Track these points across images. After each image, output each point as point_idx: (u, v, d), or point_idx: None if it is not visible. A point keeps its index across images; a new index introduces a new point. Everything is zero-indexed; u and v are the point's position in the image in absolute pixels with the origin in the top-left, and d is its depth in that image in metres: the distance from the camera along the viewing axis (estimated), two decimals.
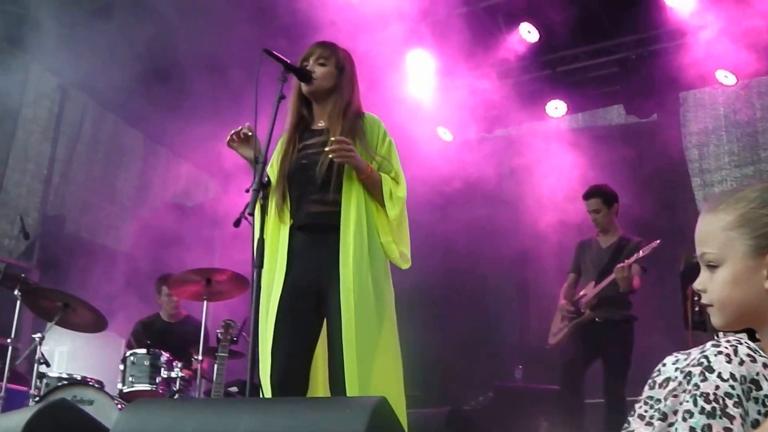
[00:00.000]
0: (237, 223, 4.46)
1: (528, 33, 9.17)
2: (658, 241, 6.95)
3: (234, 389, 7.42)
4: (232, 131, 4.34)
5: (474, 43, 9.00)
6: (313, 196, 4.33)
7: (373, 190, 4.31)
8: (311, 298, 4.26)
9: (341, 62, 4.49)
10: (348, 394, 3.96)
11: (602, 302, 7.31)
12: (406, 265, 4.44)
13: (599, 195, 7.51)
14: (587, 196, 7.58)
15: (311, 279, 4.26)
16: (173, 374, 7.13)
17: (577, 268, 7.73)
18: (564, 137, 9.93)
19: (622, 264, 7.00)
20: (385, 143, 4.44)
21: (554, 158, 9.72)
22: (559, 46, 9.53)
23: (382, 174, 4.33)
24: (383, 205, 4.33)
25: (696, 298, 7.27)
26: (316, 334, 4.28)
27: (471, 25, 8.87)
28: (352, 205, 4.26)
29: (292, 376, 4.17)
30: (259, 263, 3.81)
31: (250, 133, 4.28)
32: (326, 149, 4.16)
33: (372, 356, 4.09)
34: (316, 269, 4.26)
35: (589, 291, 7.40)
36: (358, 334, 4.06)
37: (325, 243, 4.26)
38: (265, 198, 3.97)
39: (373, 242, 4.27)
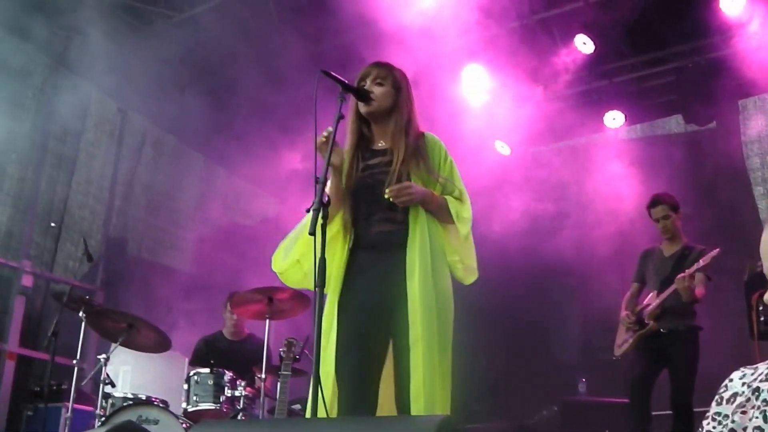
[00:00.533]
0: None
1: (583, 44, 9.10)
2: (718, 250, 6.86)
3: (297, 407, 7.41)
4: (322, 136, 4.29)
5: (530, 56, 9.00)
6: (380, 216, 4.34)
7: (441, 215, 4.32)
8: (378, 317, 4.24)
9: (398, 82, 4.48)
10: (412, 412, 3.95)
11: (666, 312, 7.20)
12: (472, 278, 4.45)
13: (664, 202, 7.43)
14: (653, 204, 7.48)
15: (378, 298, 4.25)
16: (237, 393, 7.14)
17: (640, 278, 7.63)
18: (622, 148, 9.86)
19: (682, 274, 6.92)
20: (447, 163, 4.43)
21: (613, 169, 9.65)
22: (615, 57, 9.48)
23: (447, 197, 4.33)
24: (450, 222, 4.34)
25: (761, 308, 7.20)
26: (385, 353, 4.27)
27: (526, 39, 8.88)
28: (419, 223, 4.26)
29: (361, 395, 4.17)
30: (321, 282, 3.78)
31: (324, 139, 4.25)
32: (386, 195, 4.17)
33: (435, 374, 4.07)
34: (383, 288, 4.26)
35: (652, 301, 7.31)
36: (424, 353, 4.04)
37: (390, 261, 4.27)
38: (325, 218, 3.89)
39: (437, 260, 4.27)
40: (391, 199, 4.16)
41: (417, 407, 3.96)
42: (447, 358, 4.21)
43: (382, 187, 4.27)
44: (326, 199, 3.89)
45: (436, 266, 4.25)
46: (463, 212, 4.32)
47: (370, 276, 4.30)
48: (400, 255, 4.23)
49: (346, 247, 4.38)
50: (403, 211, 4.29)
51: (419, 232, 4.24)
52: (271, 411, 7.16)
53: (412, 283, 4.14)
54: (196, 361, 7.96)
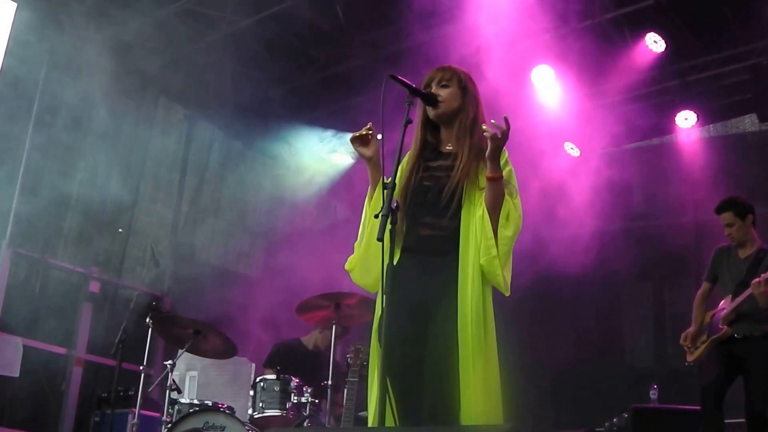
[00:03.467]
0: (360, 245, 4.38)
1: (654, 43, 8.91)
2: None
3: (364, 414, 7.32)
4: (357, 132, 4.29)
5: (599, 55, 8.86)
6: (426, 219, 4.26)
7: (497, 199, 4.13)
8: (419, 324, 4.14)
9: (463, 82, 4.38)
10: (464, 421, 3.90)
11: (741, 317, 6.95)
12: (507, 292, 4.22)
13: (731, 208, 7.18)
14: (719, 211, 7.25)
15: (418, 305, 4.15)
16: (303, 399, 7.06)
17: (712, 277, 7.36)
18: (695, 148, 9.64)
19: (758, 279, 6.71)
20: (506, 170, 4.23)
21: (685, 170, 9.44)
22: (687, 55, 9.27)
23: (505, 195, 4.18)
24: (496, 223, 4.14)
25: None
26: (431, 356, 4.13)
27: (596, 38, 8.73)
28: (471, 231, 4.16)
29: (414, 402, 4.07)
30: (389, 290, 3.75)
31: (368, 133, 4.24)
32: (484, 129, 4.01)
33: (488, 381, 4.02)
34: (424, 295, 4.16)
35: (727, 305, 7.10)
36: (474, 359, 3.97)
37: (437, 265, 4.19)
38: (394, 223, 3.83)
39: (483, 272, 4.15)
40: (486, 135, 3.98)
41: (470, 415, 3.91)
42: (496, 365, 4.11)
43: (436, 190, 4.23)
44: (395, 204, 3.85)
45: (480, 279, 4.12)
46: (515, 214, 4.16)
47: (413, 281, 4.20)
48: (448, 260, 4.15)
49: (397, 251, 4.28)
50: (451, 217, 4.21)
51: (473, 239, 4.14)
52: (338, 418, 7.05)
53: (465, 292, 4.06)
54: (270, 364, 7.86)
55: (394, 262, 4.15)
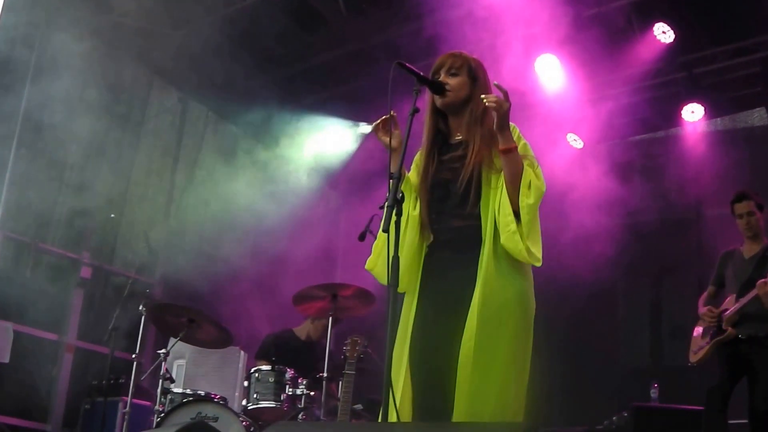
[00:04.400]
0: (362, 237, 4.29)
1: (663, 33, 8.77)
2: None
3: (359, 407, 7.23)
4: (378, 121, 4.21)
5: (605, 45, 8.72)
6: (454, 211, 4.19)
7: (515, 170, 4.01)
8: (453, 320, 4.03)
9: (473, 71, 4.30)
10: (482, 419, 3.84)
11: (745, 318, 6.91)
12: (537, 263, 4.12)
13: (751, 197, 7.09)
14: (738, 199, 7.13)
15: (451, 301, 4.07)
16: (298, 391, 6.98)
17: (719, 281, 7.31)
18: (701, 142, 9.51)
19: (764, 279, 6.60)
20: (521, 145, 4.16)
21: (691, 164, 9.34)
22: (696, 47, 9.13)
23: (525, 165, 4.06)
24: (517, 195, 4.02)
25: None
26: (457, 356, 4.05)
27: (602, 27, 8.59)
28: (490, 220, 4.08)
29: (438, 401, 3.99)
30: (394, 282, 3.61)
31: (388, 122, 4.15)
32: (484, 100, 3.96)
33: (508, 381, 3.95)
34: (455, 291, 4.08)
35: (731, 306, 6.99)
36: (487, 361, 3.89)
37: (462, 263, 4.10)
38: (399, 215, 3.71)
39: (505, 261, 4.06)
40: (487, 104, 3.94)
41: (478, 410, 3.85)
42: (520, 366, 4.03)
43: (453, 182, 4.16)
44: (400, 195, 3.74)
45: (508, 268, 4.05)
46: (537, 181, 4.01)
47: (444, 278, 4.16)
48: (472, 256, 4.07)
49: (424, 246, 4.25)
50: (474, 204, 4.13)
51: (490, 228, 4.06)
52: (333, 411, 6.97)
53: (486, 279, 3.98)
54: (262, 355, 7.83)
55: (422, 257, 4.17)
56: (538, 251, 4.07)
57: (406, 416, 3.97)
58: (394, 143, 4.11)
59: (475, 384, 3.86)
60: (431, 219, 4.24)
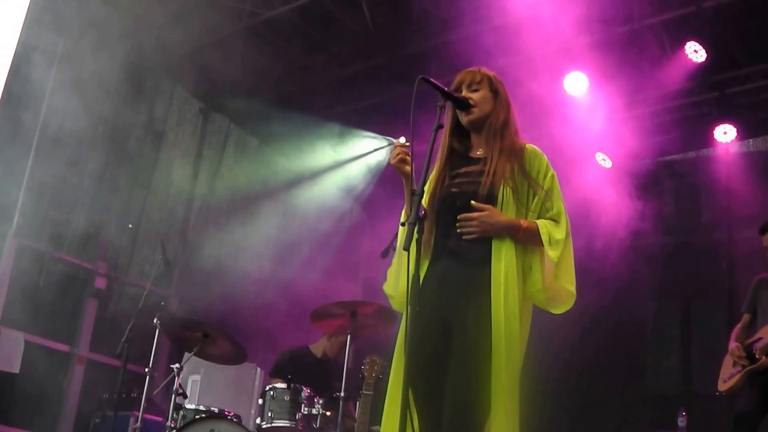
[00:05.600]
0: (385, 254, 4.17)
1: (695, 52, 8.57)
2: None
3: (376, 428, 7.07)
4: (396, 149, 4.13)
5: (636, 63, 8.59)
6: (456, 228, 4.08)
7: (532, 242, 4.05)
8: (447, 336, 3.99)
9: (494, 85, 4.27)
10: None
11: None
12: (567, 304, 4.12)
13: None
14: (763, 231, 6.97)
15: (448, 315, 4.01)
16: (314, 411, 6.80)
17: (752, 308, 7.12)
18: (733, 163, 9.32)
19: None
20: (548, 176, 4.15)
21: (723, 186, 9.18)
22: (728, 66, 8.93)
23: (539, 221, 4.05)
24: (541, 247, 4.04)
25: None
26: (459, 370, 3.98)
27: (633, 45, 8.47)
28: (504, 243, 4.00)
29: (438, 416, 3.92)
30: (414, 301, 3.56)
31: (404, 152, 4.08)
32: (457, 229, 4.03)
33: (513, 402, 3.88)
34: (454, 305, 4.01)
35: (764, 335, 6.79)
36: (508, 379, 3.83)
37: (468, 277, 4.03)
38: (421, 232, 3.62)
39: (520, 282, 4.02)
40: (465, 237, 4.00)
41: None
42: (517, 387, 3.95)
43: (466, 196, 4.09)
44: (422, 212, 3.64)
45: (520, 290, 4.00)
46: (556, 234, 4.03)
47: (444, 292, 4.06)
48: (480, 271, 3.99)
49: (426, 261, 4.13)
50: None
51: (505, 250, 3.99)
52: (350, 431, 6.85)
53: (498, 306, 3.89)
54: (277, 373, 7.65)
55: (423, 272, 4.03)
56: (572, 287, 4.08)
57: None
58: (409, 168, 4.05)
59: (507, 403, 3.81)
60: (437, 233, 4.17)
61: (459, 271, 4.07)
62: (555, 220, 4.08)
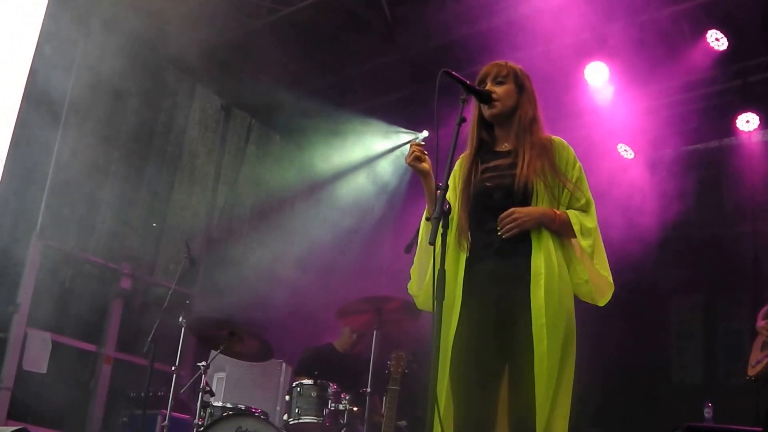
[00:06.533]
0: (408, 249, 4.19)
1: (716, 41, 8.50)
2: None
3: (403, 423, 7.09)
4: (411, 147, 4.15)
5: (656, 53, 8.50)
6: (495, 223, 4.08)
7: (565, 232, 4.09)
8: (498, 331, 4.01)
9: (520, 79, 4.29)
10: None
11: None
12: (607, 296, 4.18)
13: None
14: None
15: (495, 310, 4.03)
16: (341, 407, 6.85)
17: None
18: (756, 152, 9.24)
19: None
20: (576, 169, 4.21)
21: (746, 175, 9.10)
22: (751, 54, 8.82)
23: (569, 211, 4.10)
24: (574, 237, 4.10)
25: None
26: (503, 369, 4.04)
27: (653, 35, 8.36)
28: (543, 234, 4.04)
29: (480, 414, 3.96)
30: (440, 296, 3.54)
31: (420, 152, 4.10)
32: (498, 231, 4.05)
33: (558, 396, 3.87)
34: (502, 299, 4.03)
35: None
36: (549, 372, 3.83)
37: (508, 271, 4.05)
38: (446, 227, 3.64)
39: (563, 273, 4.04)
40: (504, 236, 4.02)
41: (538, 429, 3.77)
42: (570, 379, 3.97)
43: (502, 190, 4.11)
44: (447, 207, 3.66)
45: (563, 280, 4.01)
46: (588, 223, 4.07)
47: (487, 287, 4.07)
48: (520, 264, 4.02)
49: (463, 257, 4.14)
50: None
51: (544, 241, 4.02)
52: (377, 427, 6.84)
53: (537, 296, 3.91)
54: (301, 370, 7.70)
55: (459, 270, 4.07)
56: (609, 275, 4.12)
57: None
58: (426, 167, 4.07)
59: (551, 400, 3.82)
60: (471, 227, 4.18)
61: (501, 265, 4.07)
62: (584, 210, 4.12)
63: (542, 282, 3.91)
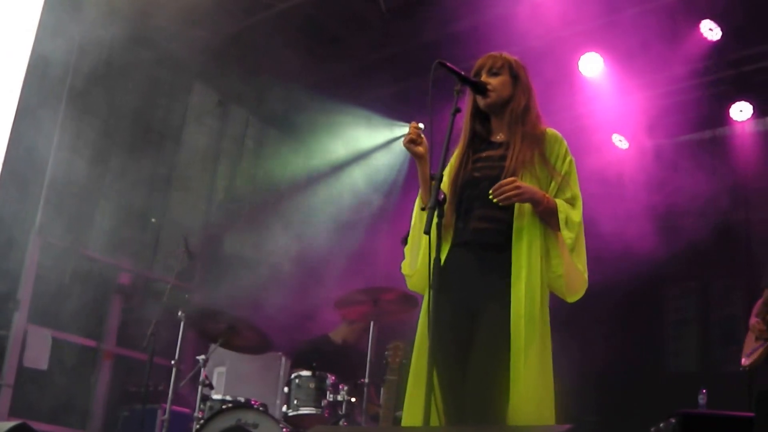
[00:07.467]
0: (405, 241, 4.22)
1: (710, 31, 8.53)
2: None
3: (401, 413, 7.11)
4: (410, 130, 4.18)
5: (650, 44, 8.49)
6: (480, 212, 4.15)
7: (549, 219, 4.08)
8: (472, 321, 4.05)
9: (515, 70, 4.33)
10: (511, 422, 3.82)
11: None
12: (579, 293, 4.18)
13: None
14: None
15: (471, 300, 4.07)
16: (339, 398, 6.91)
17: None
18: (750, 142, 9.28)
19: None
20: (566, 162, 4.22)
21: (740, 165, 9.14)
22: (744, 44, 8.83)
23: (558, 200, 4.10)
24: (557, 229, 4.10)
25: None
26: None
27: (647, 25, 8.36)
28: (525, 223, 4.07)
29: (459, 402, 3.99)
30: (436, 285, 3.63)
31: (417, 133, 4.15)
32: (490, 196, 3.96)
33: (538, 386, 3.90)
34: (479, 289, 4.07)
35: None
36: (526, 363, 3.85)
37: (489, 262, 4.09)
38: (441, 216, 3.71)
39: (542, 266, 4.05)
40: (495, 200, 3.95)
41: (519, 414, 3.81)
42: (550, 369, 4.02)
43: (489, 181, 4.09)
44: (441, 196, 3.73)
45: (542, 274, 4.03)
46: (574, 216, 4.09)
47: (465, 276, 4.12)
48: (500, 256, 4.05)
49: (447, 245, 4.19)
50: (506, 208, 4.08)
51: (526, 232, 4.04)
52: (375, 418, 6.90)
53: (518, 288, 3.94)
54: (299, 362, 7.71)
55: (442, 257, 4.03)
56: (583, 269, 4.12)
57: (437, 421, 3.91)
58: (422, 150, 4.12)
59: (529, 386, 3.84)
60: (457, 217, 4.22)
61: (481, 255, 4.10)
62: (570, 204, 4.13)
63: (523, 275, 3.95)
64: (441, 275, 3.87)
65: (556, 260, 4.07)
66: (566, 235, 4.02)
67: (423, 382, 3.81)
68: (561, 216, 4.03)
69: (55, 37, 8.08)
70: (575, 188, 4.17)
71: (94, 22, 8.46)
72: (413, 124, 4.15)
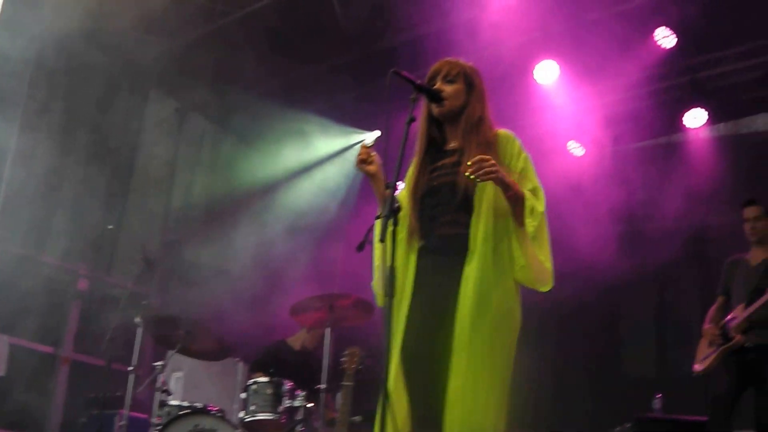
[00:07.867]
0: (361, 247, 4.24)
1: (664, 38, 8.64)
2: None
3: (358, 419, 7.15)
4: (360, 151, 4.20)
5: (606, 50, 8.57)
6: (445, 218, 4.15)
7: (516, 206, 4.03)
8: (438, 328, 4.03)
9: (470, 77, 4.32)
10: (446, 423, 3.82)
11: (754, 326, 6.83)
12: (548, 283, 4.11)
13: (759, 203, 7.06)
14: (748, 203, 7.13)
15: (435, 308, 4.05)
16: (296, 403, 6.89)
17: (726, 290, 7.22)
18: (704, 148, 9.40)
19: None
20: (521, 158, 4.21)
21: (694, 171, 9.23)
22: (698, 51, 8.98)
23: (525, 191, 4.07)
24: (523, 223, 4.06)
25: None
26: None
27: (602, 32, 8.44)
28: (481, 227, 4.05)
29: (429, 410, 3.94)
30: (390, 292, 3.62)
31: (368, 155, 4.17)
32: (465, 172, 3.88)
33: (478, 388, 3.86)
34: (440, 297, 4.05)
35: (738, 314, 6.90)
36: (467, 366, 3.86)
37: (448, 269, 4.07)
38: (395, 224, 3.71)
39: (500, 271, 4.03)
40: (472, 177, 3.86)
41: (457, 419, 3.81)
42: (500, 377, 3.98)
43: (447, 188, 4.16)
44: (396, 205, 3.72)
45: (499, 278, 4.02)
46: (538, 206, 4.06)
47: (430, 284, 4.13)
48: (458, 263, 4.05)
49: (414, 253, 4.21)
50: (467, 214, 4.10)
51: (481, 237, 4.03)
52: (330, 423, 6.92)
53: (466, 287, 3.96)
54: (257, 367, 7.76)
55: (411, 266, 4.14)
56: (549, 265, 4.08)
57: (405, 426, 3.93)
58: (373, 168, 4.14)
59: (467, 393, 3.82)
60: (421, 225, 4.21)
61: (453, 259, 4.08)
62: (534, 194, 4.11)
63: (471, 284, 3.95)
64: (413, 286, 4.02)
65: (517, 252, 4.05)
66: (529, 222, 4.01)
67: (402, 392, 3.95)
68: (528, 204, 4.01)
69: (11, 43, 8.04)
70: (534, 180, 4.16)
71: (49, 29, 8.41)
72: (362, 144, 4.17)
